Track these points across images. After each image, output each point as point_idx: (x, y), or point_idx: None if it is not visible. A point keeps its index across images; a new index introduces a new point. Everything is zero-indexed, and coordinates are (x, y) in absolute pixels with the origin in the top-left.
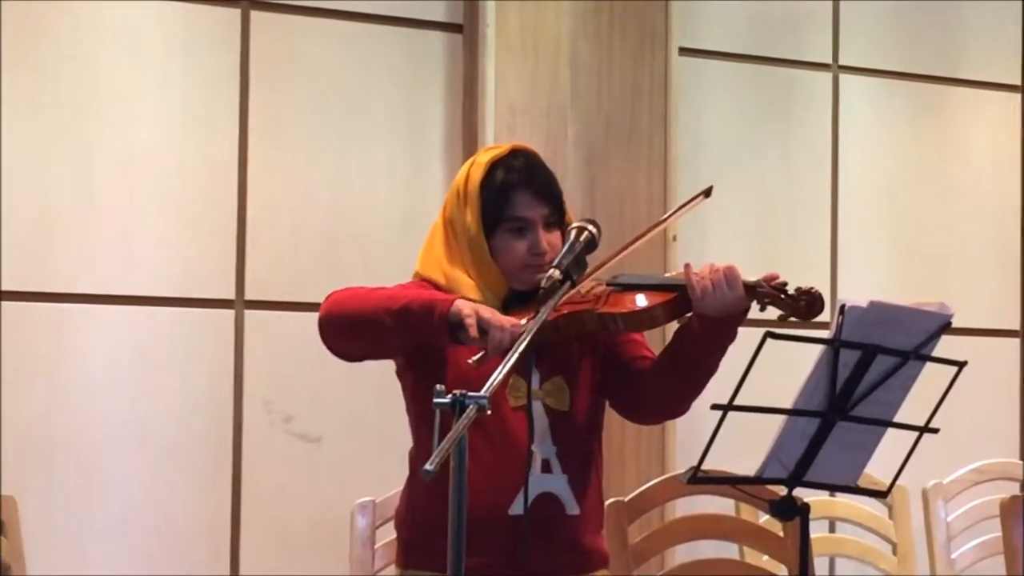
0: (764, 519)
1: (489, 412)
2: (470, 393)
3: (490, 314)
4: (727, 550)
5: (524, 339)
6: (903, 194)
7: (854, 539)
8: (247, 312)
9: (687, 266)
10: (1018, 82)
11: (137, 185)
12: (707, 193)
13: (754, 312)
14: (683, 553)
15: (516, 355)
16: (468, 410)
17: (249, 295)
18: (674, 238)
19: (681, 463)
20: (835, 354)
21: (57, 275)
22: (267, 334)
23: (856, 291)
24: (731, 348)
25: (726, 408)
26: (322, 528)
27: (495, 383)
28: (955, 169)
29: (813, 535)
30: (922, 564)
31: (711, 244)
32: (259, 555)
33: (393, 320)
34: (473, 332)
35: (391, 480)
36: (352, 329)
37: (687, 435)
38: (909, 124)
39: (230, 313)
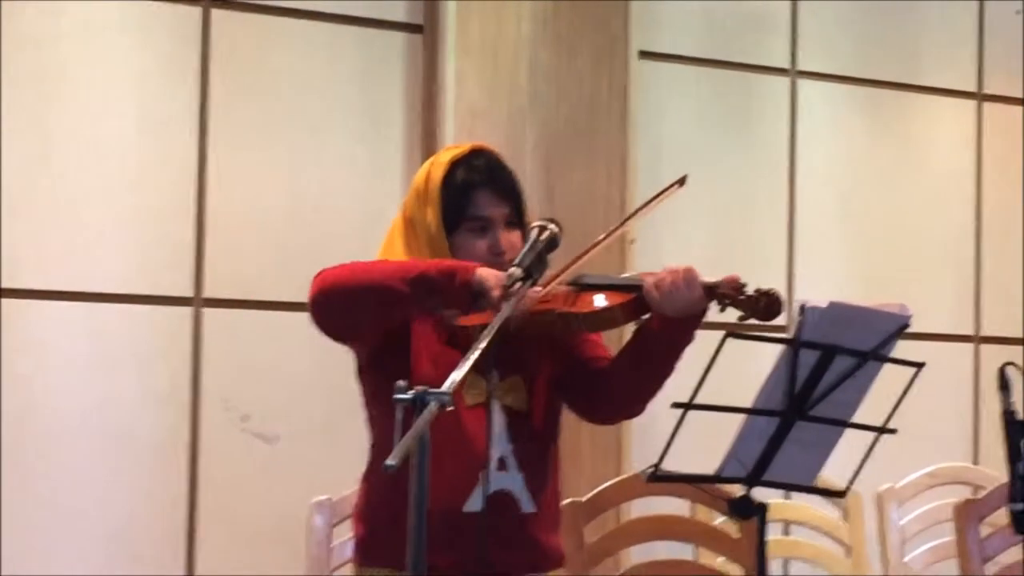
0: (719, 520)
1: (451, 409)
2: (432, 389)
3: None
4: (682, 551)
5: (485, 338)
6: (860, 199)
7: (808, 542)
8: (205, 310)
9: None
10: (975, 89)
11: (96, 182)
12: (681, 182)
13: (714, 313)
14: (639, 554)
15: (477, 353)
16: (430, 406)
17: (208, 293)
18: (632, 242)
19: (637, 464)
20: (795, 354)
21: (16, 271)
22: (225, 332)
23: (812, 294)
24: (691, 348)
25: (686, 407)
26: (279, 526)
27: (456, 380)
28: (912, 175)
29: (768, 537)
30: (875, 567)
31: (669, 247)
32: (216, 553)
33: (410, 287)
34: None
35: (348, 479)
36: (358, 301)
37: (643, 435)
38: (866, 129)
39: (188, 311)
